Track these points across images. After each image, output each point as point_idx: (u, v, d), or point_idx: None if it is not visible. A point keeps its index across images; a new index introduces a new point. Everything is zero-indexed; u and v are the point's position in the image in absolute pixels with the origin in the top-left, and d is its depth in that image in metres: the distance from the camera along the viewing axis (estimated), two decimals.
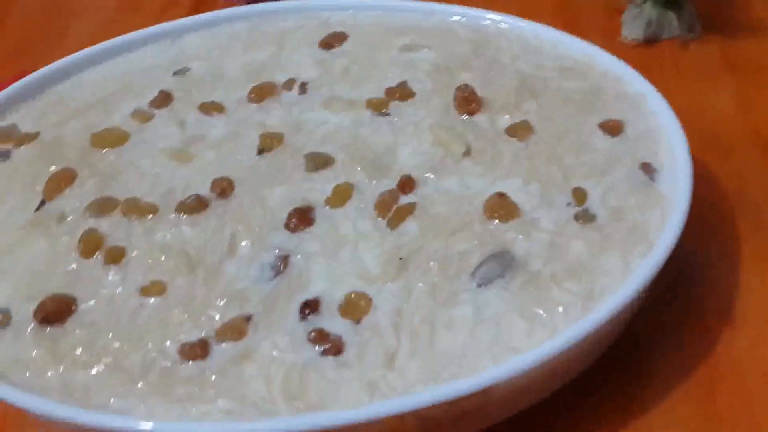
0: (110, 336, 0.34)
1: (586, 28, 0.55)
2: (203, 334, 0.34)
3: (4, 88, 0.46)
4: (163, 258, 0.37)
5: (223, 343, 0.34)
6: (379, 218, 0.37)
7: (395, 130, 0.41)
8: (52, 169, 0.41)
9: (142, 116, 0.44)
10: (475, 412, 0.32)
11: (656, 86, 0.52)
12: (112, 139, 0.43)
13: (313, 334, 0.33)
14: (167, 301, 0.35)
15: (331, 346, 0.33)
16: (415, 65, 0.45)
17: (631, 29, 0.53)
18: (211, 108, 0.44)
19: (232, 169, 0.40)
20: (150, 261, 0.37)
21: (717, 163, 0.46)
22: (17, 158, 0.43)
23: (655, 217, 0.36)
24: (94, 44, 0.48)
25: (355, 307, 0.34)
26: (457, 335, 0.33)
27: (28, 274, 0.37)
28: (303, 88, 0.44)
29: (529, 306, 0.34)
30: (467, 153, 0.40)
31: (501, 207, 0.37)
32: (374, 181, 0.39)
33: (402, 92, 0.43)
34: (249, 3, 0.52)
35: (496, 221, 0.37)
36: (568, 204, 0.37)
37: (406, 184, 0.39)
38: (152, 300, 0.36)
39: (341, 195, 0.39)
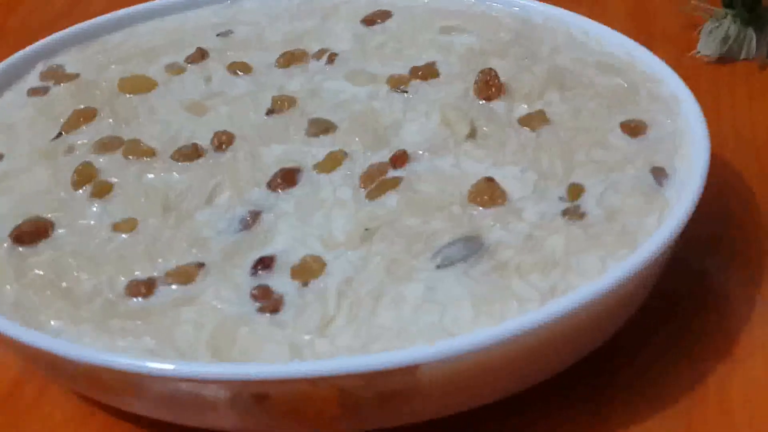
0: (71, 263, 0.33)
1: (660, 39, 0.50)
2: (155, 274, 0.33)
3: None
4: (143, 199, 0.36)
5: (172, 286, 0.32)
6: (362, 188, 0.35)
7: (407, 106, 0.39)
8: (81, 107, 0.42)
9: (175, 69, 0.43)
10: (402, 399, 0.28)
11: (722, 107, 0.47)
12: (138, 85, 0.42)
13: (256, 289, 0.31)
14: (134, 239, 0.34)
15: (269, 303, 0.31)
16: (450, 48, 0.42)
17: (706, 45, 0.48)
18: (238, 67, 0.43)
19: (238, 125, 0.39)
20: (131, 200, 0.36)
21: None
22: (54, 94, 0.43)
23: (650, 223, 0.31)
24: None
25: (306, 270, 0.32)
26: (399, 312, 0.30)
27: (25, 196, 0.37)
28: (331, 58, 0.42)
29: (484, 294, 0.30)
30: (471, 135, 0.36)
31: (486, 192, 0.33)
32: (369, 152, 0.37)
33: (426, 72, 0.40)
34: None
35: (479, 206, 0.33)
36: (560, 198, 0.33)
37: (399, 158, 0.36)
38: (123, 236, 0.34)
39: (332, 161, 0.36)
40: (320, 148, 0.37)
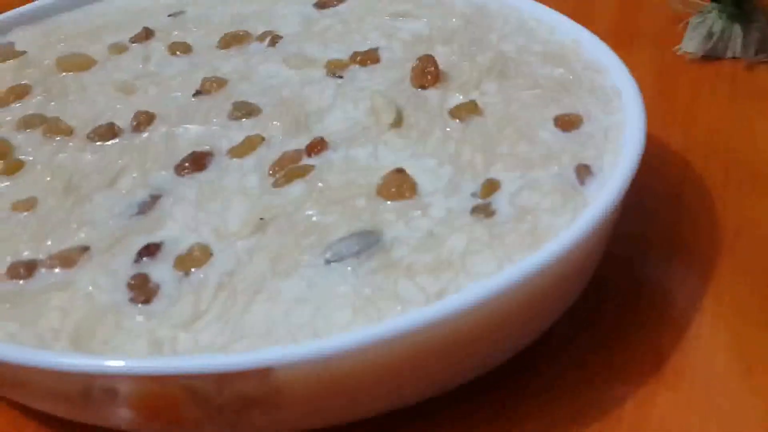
0: None
1: (642, 33, 0.46)
2: (40, 256, 0.30)
3: None
4: (48, 178, 0.34)
5: (55, 269, 0.30)
6: (270, 176, 0.32)
7: (338, 92, 0.36)
8: (19, 83, 0.40)
9: (118, 48, 0.41)
10: (262, 407, 0.25)
11: (698, 108, 0.43)
12: (75, 64, 0.40)
13: (133, 278, 0.29)
14: (29, 219, 0.32)
15: (141, 293, 0.28)
16: (396, 33, 0.39)
17: (689, 41, 0.44)
18: (178, 48, 0.40)
19: (162, 105, 0.36)
20: (38, 179, 0.34)
21: (724, 192, 0.36)
22: None
23: (561, 224, 0.28)
24: None
25: (190, 260, 0.29)
26: (274, 309, 0.27)
27: None
28: (274, 41, 0.40)
29: (367, 294, 0.27)
30: (396, 125, 0.33)
31: (394, 184, 0.30)
32: (288, 139, 0.34)
33: (367, 57, 0.37)
34: None
35: (385, 199, 0.30)
36: (473, 194, 0.30)
37: (315, 146, 0.33)
38: (22, 215, 0.32)
39: (247, 146, 0.34)
40: (239, 132, 0.34)
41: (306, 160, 0.33)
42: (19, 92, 0.39)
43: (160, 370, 0.24)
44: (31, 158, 0.35)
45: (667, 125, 0.41)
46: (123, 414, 0.27)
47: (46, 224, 0.32)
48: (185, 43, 0.41)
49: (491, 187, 0.30)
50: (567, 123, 0.32)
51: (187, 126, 0.35)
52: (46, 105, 0.38)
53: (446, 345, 0.26)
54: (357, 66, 0.37)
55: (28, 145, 0.36)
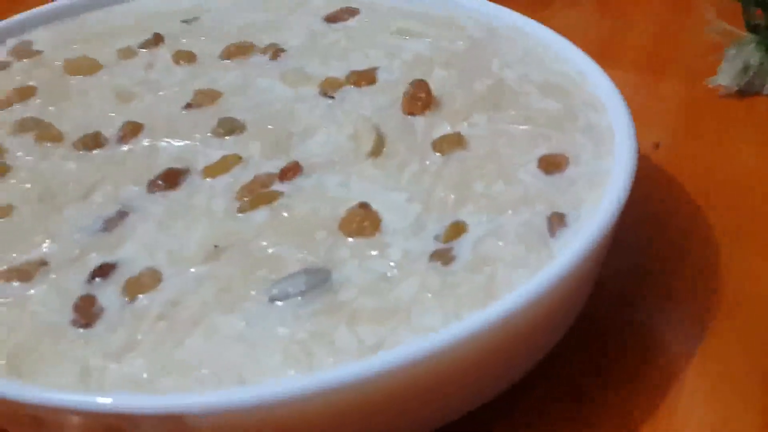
0: None
1: (675, 62, 0.43)
2: (3, 267, 0.30)
3: None
4: (29, 185, 0.33)
5: (13, 283, 0.29)
6: (237, 199, 0.31)
7: (326, 114, 0.34)
8: (27, 84, 0.40)
9: (126, 53, 0.40)
10: None
11: (721, 148, 0.39)
12: (82, 67, 0.39)
13: (81, 299, 0.28)
14: (3, 226, 0.31)
15: (83, 316, 0.27)
16: (398, 53, 0.37)
17: (723, 74, 0.40)
18: (182, 57, 0.39)
19: (152, 116, 0.35)
20: (19, 185, 0.33)
21: (732, 251, 0.33)
22: (13, 70, 0.41)
23: (518, 279, 0.25)
24: None
25: (138, 285, 0.28)
26: (207, 345, 0.25)
27: None
28: (275, 54, 0.38)
29: (303, 339, 0.25)
30: (375, 153, 0.31)
31: (356, 220, 0.28)
32: (264, 161, 0.32)
33: (362, 78, 0.35)
34: None
35: (345, 234, 0.28)
36: (436, 237, 0.28)
37: (289, 170, 0.31)
38: None
39: (222, 166, 0.32)
40: (218, 149, 0.33)
41: (276, 185, 0.31)
42: (24, 94, 0.39)
43: (82, 405, 0.23)
44: (18, 163, 0.35)
45: (685, 165, 0.37)
46: None
47: (16, 233, 0.31)
48: (190, 51, 0.40)
49: (456, 230, 0.27)
50: (551, 164, 0.29)
51: (170, 140, 0.34)
52: (46, 108, 0.38)
53: (381, 400, 0.24)
54: (351, 86, 0.35)
55: (18, 150, 0.35)
